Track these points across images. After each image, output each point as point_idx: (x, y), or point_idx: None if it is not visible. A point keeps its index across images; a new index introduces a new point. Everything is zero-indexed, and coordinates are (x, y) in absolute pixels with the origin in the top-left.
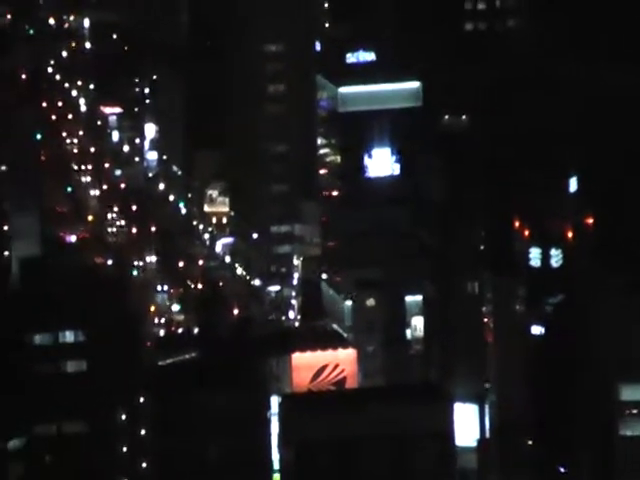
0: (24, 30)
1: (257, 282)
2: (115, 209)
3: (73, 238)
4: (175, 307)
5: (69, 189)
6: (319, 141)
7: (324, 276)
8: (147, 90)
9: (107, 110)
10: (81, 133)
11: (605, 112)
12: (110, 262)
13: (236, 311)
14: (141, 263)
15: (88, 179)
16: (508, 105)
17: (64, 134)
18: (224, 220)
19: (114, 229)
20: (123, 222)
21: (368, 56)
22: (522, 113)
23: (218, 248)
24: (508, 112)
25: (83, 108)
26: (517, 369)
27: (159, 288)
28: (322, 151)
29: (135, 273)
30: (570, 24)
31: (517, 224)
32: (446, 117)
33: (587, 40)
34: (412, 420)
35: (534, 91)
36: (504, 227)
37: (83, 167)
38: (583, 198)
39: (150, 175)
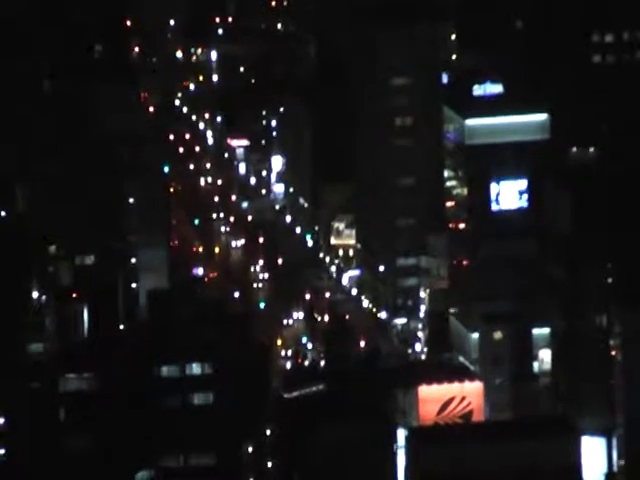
0: (152, 63)
1: (384, 315)
2: (242, 241)
3: (200, 271)
4: (302, 339)
5: (196, 222)
6: (446, 173)
7: (451, 309)
8: (274, 123)
9: (234, 143)
10: (208, 166)
11: None
12: (237, 295)
13: (362, 344)
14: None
15: (215, 211)
16: (637, 138)
17: (191, 167)
18: (351, 253)
19: (241, 262)
20: (248, 253)
21: (495, 88)
22: None
23: (345, 281)
24: (636, 144)
25: (210, 141)
26: None
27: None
28: (449, 183)
29: (262, 306)
30: None
31: None
32: (574, 149)
33: None
34: (540, 454)
35: None
36: (633, 260)
37: (210, 200)
38: None
39: (277, 207)
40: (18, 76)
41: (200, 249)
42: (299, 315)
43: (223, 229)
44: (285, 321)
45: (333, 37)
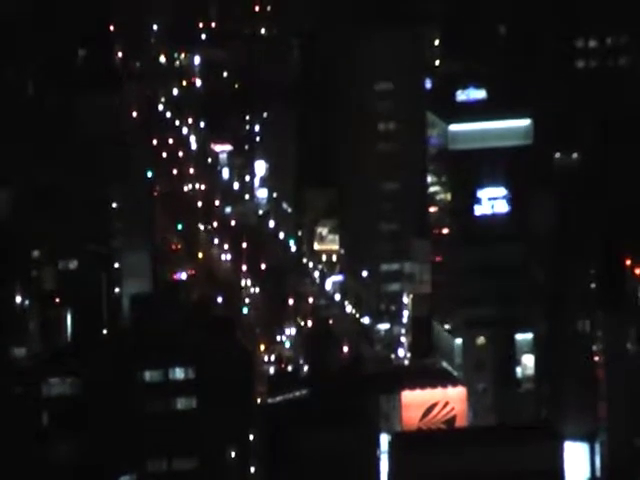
0: (135, 68)
1: (367, 320)
2: (225, 246)
3: (184, 276)
4: (285, 344)
5: (179, 226)
6: (429, 179)
7: (434, 314)
8: (257, 128)
9: (217, 148)
10: (192, 171)
11: None
12: (220, 299)
13: (346, 349)
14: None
15: (199, 216)
16: (623, 143)
17: (175, 172)
18: (334, 258)
19: (225, 266)
20: (231, 258)
21: (479, 94)
22: (637, 151)
23: (328, 286)
24: (620, 150)
25: (194, 146)
26: (629, 408)
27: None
28: (432, 189)
29: (245, 311)
30: None
31: (628, 262)
32: (557, 155)
33: None
34: (523, 459)
35: None
36: (616, 265)
37: (194, 205)
38: None
39: (260, 212)
40: (2, 80)
41: (183, 254)
42: (291, 330)
43: (206, 234)
44: (277, 336)
45: (317, 42)
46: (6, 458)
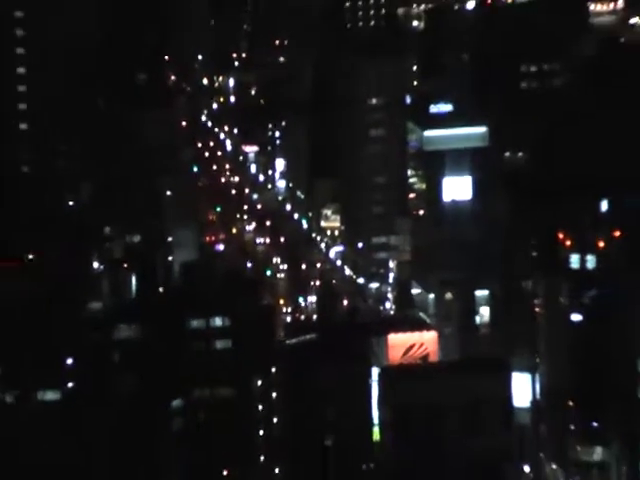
0: (183, 88)
1: (361, 280)
2: (253, 225)
3: (221, 247)
4: (299, 300)
5: (218, 209)
6: (409, 172)
7: (413, 276)
8: (277, 134)
9: (247, 149)
10: (227, 167)
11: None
12: (249, 265)
13: (345, 302)
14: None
15: (232, 202)
16: (556, 144)
17: (214, 167)
18: (336, 233)
19: (252, 240)
20: (257, 233)
21: (447, 107)
22: (567, 150)
23: (332, 255)
24: (556, 149)
25: (229, 148)
26: (562, 347)
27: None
28: (411, 180)
29: (269, 273)
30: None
31: (561, 236)
32: (507, 154)
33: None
34: (481, 387)
35: (577, 133)
36: (552, 238)
37: (228, 192)
38: (611, 216)
39: (280, 198)
40: (83, 99)
41: (221, 231)
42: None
43: (238, 215)
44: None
45: (324, 67)
46: (87, 386)
